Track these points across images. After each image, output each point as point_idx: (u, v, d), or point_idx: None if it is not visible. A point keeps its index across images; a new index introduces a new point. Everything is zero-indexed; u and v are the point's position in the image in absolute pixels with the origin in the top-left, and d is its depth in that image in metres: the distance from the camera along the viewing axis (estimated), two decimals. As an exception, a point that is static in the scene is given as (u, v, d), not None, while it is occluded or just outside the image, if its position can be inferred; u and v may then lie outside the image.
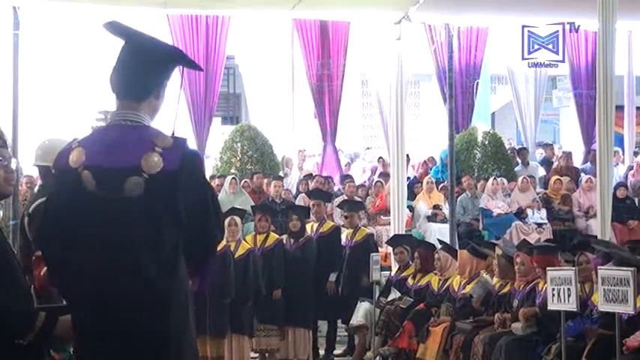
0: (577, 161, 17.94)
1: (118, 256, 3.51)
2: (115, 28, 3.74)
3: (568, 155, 17.43)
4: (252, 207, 12.06)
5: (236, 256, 9.98)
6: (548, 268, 8.00)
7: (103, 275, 3.52)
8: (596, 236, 10.33)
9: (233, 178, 14.41)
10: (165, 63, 3.74)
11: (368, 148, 20.58)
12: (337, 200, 13.80)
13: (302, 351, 10.61)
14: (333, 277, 10.96)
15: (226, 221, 10.21)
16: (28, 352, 3.48)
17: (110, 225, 3.53)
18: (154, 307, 3.49)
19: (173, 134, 3.69)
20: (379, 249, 12.44)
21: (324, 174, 16.19)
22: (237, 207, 11.34)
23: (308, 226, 11.24)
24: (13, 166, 3.71)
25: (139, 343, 3.50)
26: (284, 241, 10.76)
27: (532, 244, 10.04)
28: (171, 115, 3.89)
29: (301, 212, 11.19)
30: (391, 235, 12.42)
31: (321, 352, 11.22)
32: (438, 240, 11.55)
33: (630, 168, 17.03)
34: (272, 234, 10.72)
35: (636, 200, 15.45)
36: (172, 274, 3.55)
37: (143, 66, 3.66)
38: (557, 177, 15.91)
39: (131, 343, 3.50)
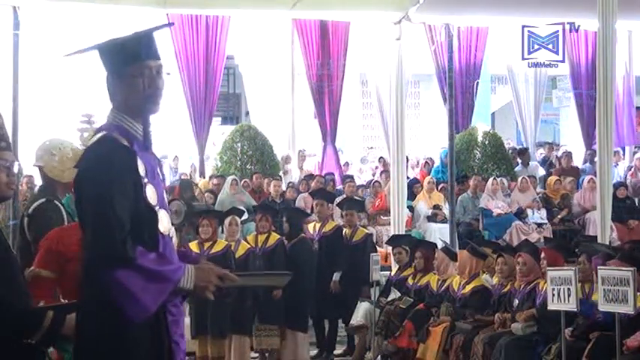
0: (577, 161, 17.95)
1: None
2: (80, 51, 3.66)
3: (568, 155, 17.43)
4: (253, 207, 12.08)
5: (237, 256, 9.98)
6: (548, 268, 8.01)
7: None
8: (595, 237, 10.35)
9: (234, 179, 14.35)
10: (103, 55, 3.58)
11: (371, 148, 20.59)
12: (337, 200, 13.79)
13: (298, 353, 10.54)
14: (337, 276, 10.95)
15: (227, 221, 10.26)
16: (29, 351, 3.49)
17: None
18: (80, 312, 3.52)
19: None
20: (380, 249, 12.45)
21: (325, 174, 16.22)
22: (238, 207, 11.37)
23: (310, 226, 11.22)
24: (16, 169, 3.72)
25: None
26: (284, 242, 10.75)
27: (533, 243, 10.09)
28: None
29: (293, 214, 11.14)
30: (391, 235, 12.42)
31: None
32: (442, 241, 11.55)
33: (630, 168, 17.03)
34: (273, 234, 10.69)
35: (636, 200, 15.45)
36: (86, 286, 3.46)
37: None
38: (556, 177, 15.91)
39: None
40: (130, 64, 3.51)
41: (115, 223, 3.32)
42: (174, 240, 3.69)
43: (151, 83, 3.53)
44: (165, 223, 3.56)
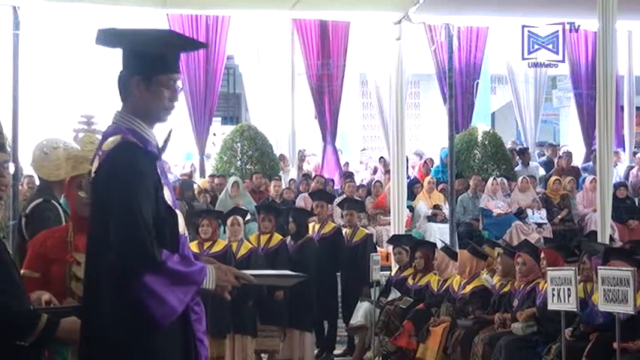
0: (578, 161, 17.93)
1: (88, 263, 3.57)
2: (107, 38, 3.58)
3: (568, 155, 17.42)
4: (256, 207, 12.09)
5: (238, 256, 9.96)
6: (548, 268, 8.01)
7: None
8: (595, 232, 10.35)
9: (235, 181, 14.23)
10: (134, 55, 3.52)
11: (364, 149, 20.57)
12: (337, 199, 13.78)
13: (305, 353, 10.54)
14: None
15: (229, 221, 10.26)
16: (26, 352, 3.48)
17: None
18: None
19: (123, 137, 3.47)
20: (380, 249, 12.45)
21: (325, 174, 16.19)
22: (241, 207, 11.37)
23: (309, 227, 11.22)
24: (11, 170, 3.71)
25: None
26: (287, 242, 10.74)
27: (533, 243, 10.08)
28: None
29: (299, 214, 11.15)
30: (391, 235, 12.41)
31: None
32: (441, 241, 11.54)
33: (630, 168, 17.03)
34: (276, 234, 10.68)
35: (636, 200, 15.45)
36: (101, 291, 3.42)
37: (123, 63, 3.54)
38: (556, 177, 15.90)
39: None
40: (163, 73, 3.51)
41: (144, 229, 3.32)
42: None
43: (173, 96, 3.56)
44: (181, 223, 3.56)
